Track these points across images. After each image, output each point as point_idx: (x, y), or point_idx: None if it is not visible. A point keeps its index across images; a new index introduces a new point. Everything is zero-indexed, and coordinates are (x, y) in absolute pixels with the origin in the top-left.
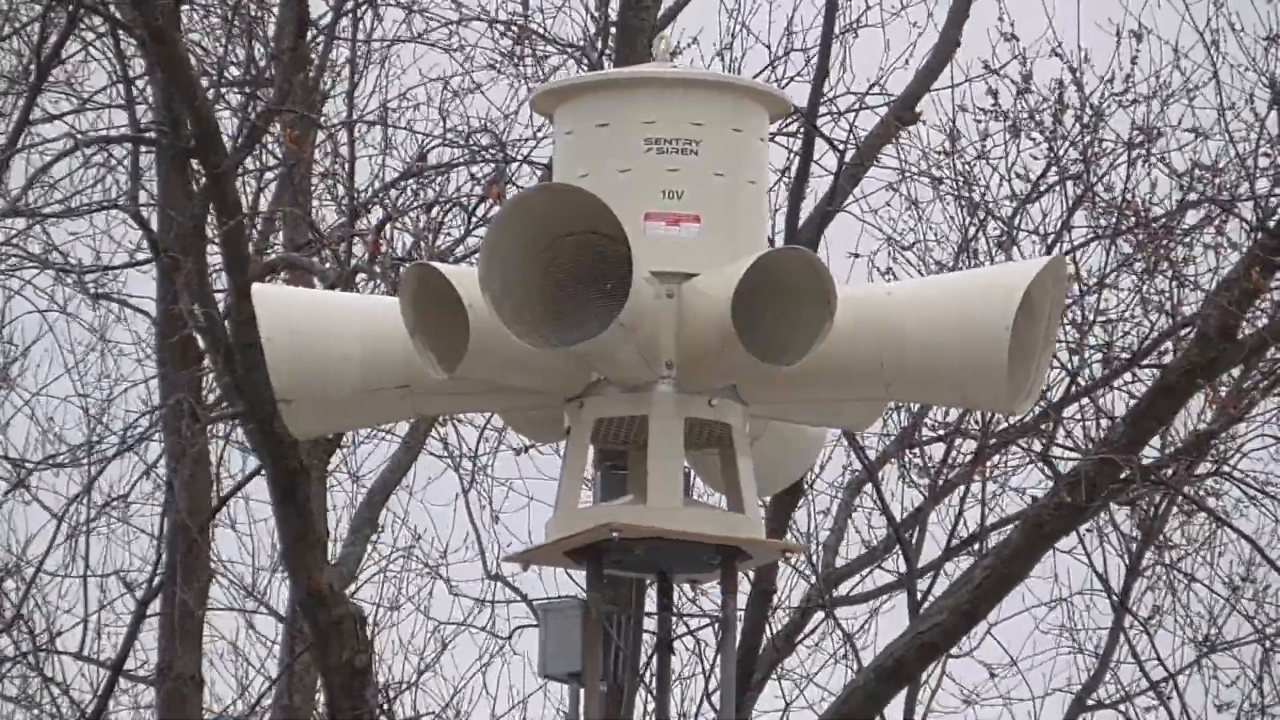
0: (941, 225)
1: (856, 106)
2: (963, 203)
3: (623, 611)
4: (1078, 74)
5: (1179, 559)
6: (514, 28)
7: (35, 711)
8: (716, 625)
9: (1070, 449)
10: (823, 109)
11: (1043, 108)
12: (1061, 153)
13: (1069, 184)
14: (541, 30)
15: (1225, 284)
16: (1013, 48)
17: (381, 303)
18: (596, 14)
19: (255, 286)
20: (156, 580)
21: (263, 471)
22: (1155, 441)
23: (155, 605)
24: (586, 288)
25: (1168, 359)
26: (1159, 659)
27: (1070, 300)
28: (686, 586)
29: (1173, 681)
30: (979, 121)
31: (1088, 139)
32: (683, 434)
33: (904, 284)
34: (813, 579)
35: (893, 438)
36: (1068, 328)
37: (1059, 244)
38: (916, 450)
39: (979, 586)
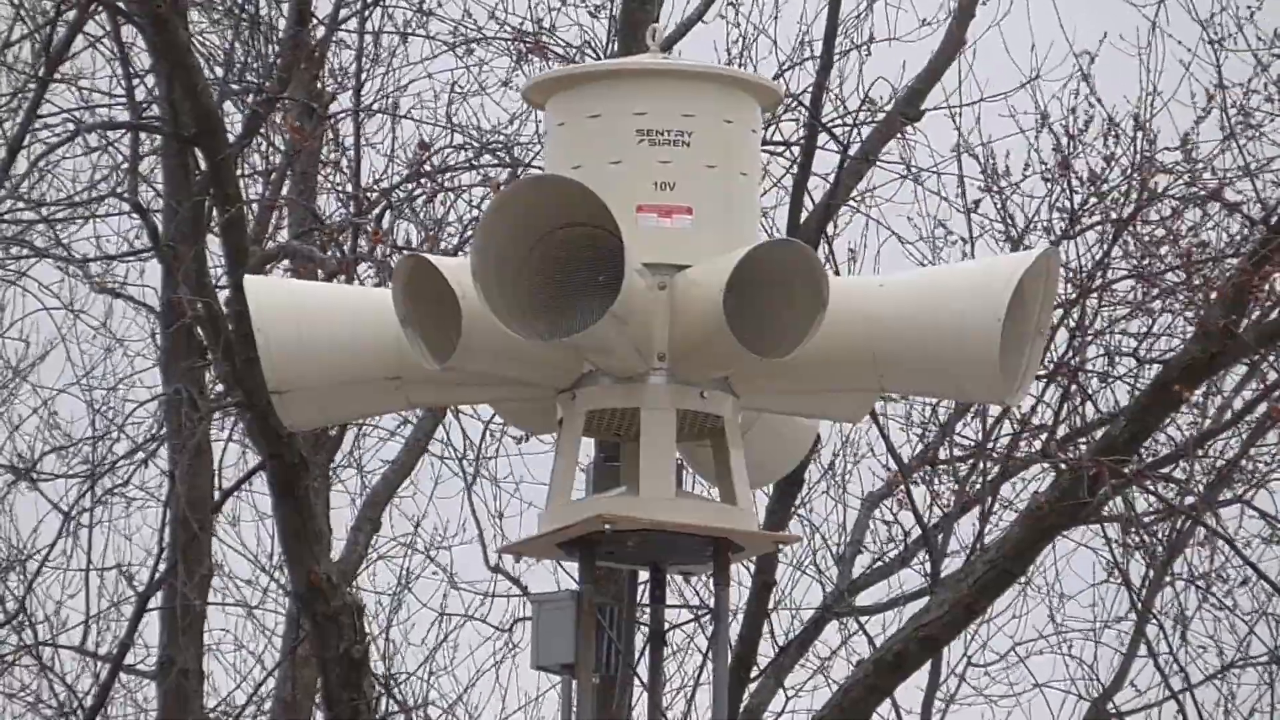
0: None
1: (862, 103)
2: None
3: (615, 603)
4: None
5: (1199, 576)
6: (526, 42)
7: (36, 706)
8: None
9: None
10: (826, 104)
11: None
12: (1105, 198)
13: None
14: (555, 43)
15: (1227, 281)
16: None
17: (374, 294)
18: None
19: (247, 278)
20: (158, 574)
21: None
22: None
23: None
24: (579, 280)
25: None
26: (1180, 667)
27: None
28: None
29: (1191, 693)
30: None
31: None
32: (675, 426)
33: (896, 276)
34: (830, 588)
35: (919, 450)
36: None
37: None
38: (940, 467)
39: (979, 580)
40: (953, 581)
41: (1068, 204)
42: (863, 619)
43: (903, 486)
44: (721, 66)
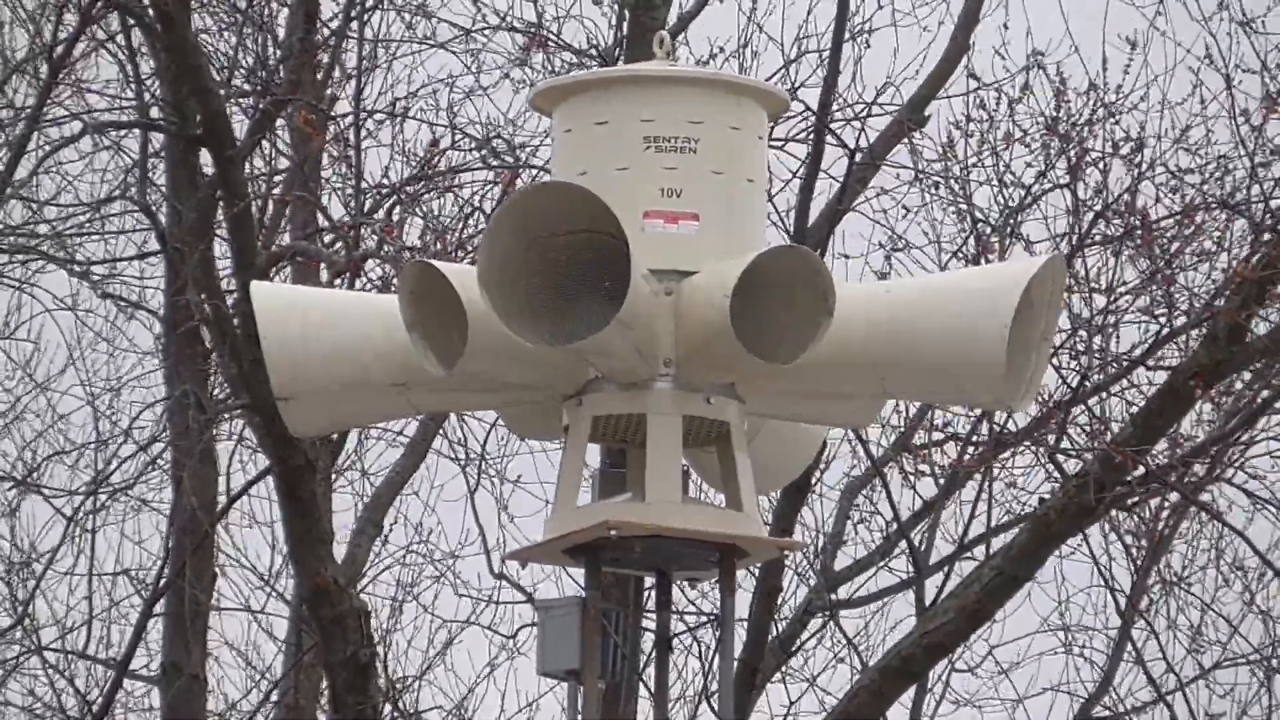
0: (943, 230)
1: (865, 115)
2: (960, 212)
3: (622, 609)
4: (1064, 81)
5: (1184, 575)
6: (529, 36)
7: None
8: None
9: (1077, 450)
10: (833, 109)
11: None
12: (1054, 161)
13: (1066, 192)
14: (556, 38)
15: (1233, 284)
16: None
17: (380, 300)
18: (609, 13)
19: (254, 285)
20: (163, 579)
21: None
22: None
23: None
24: (585, 285)
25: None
26: (1169, 666)
27: (1077, 302)
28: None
29: (1182, 692)
30: (976, 123)
31: (1076, 149)
32: (681, 431)
33: (902, 282)
34: (814, 581)
35: (895, 439)
36: (1079, 331)
37: (1061, 247)
38: (923, 451)
39: (986, 586)
40: (959, 588)
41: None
42: (842, 614)
43: (904, 462)
44: (728, 73)
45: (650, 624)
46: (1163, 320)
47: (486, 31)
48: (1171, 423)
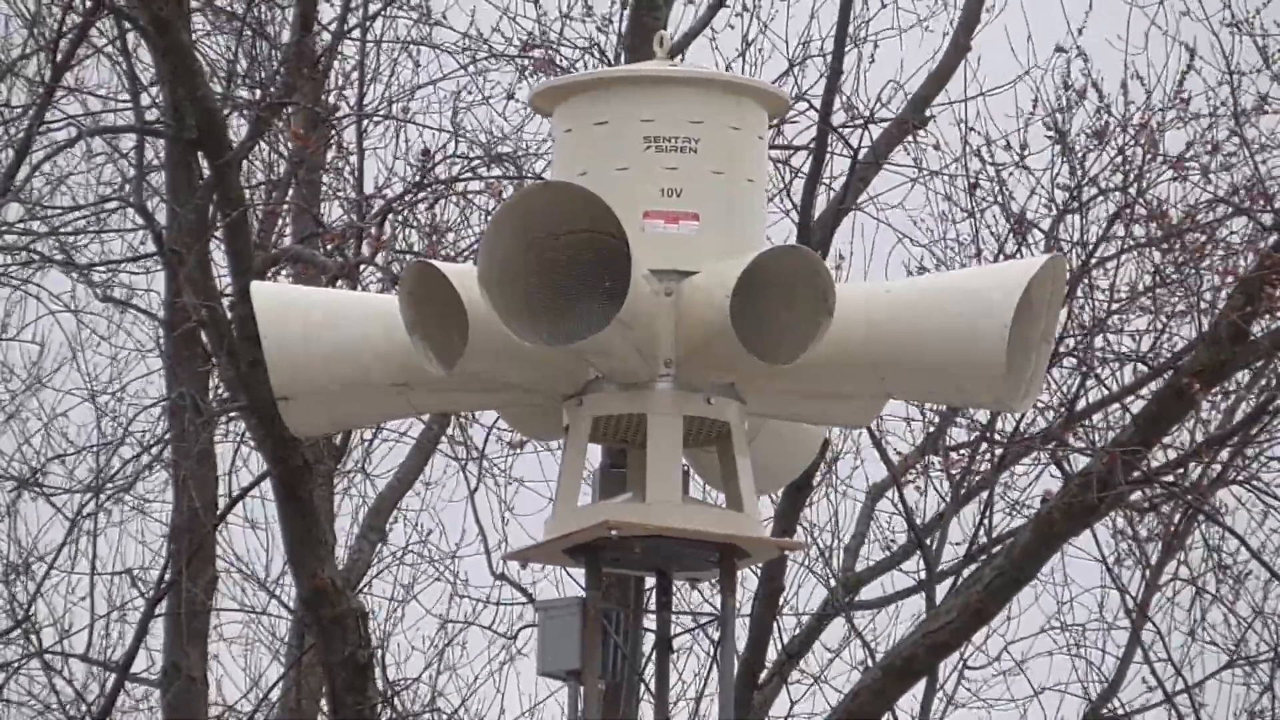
0: (964, 228)
1: (868, 120)
2: (999, 210)
3: (622, 609)
4: (1132, 79)
5: (1200, 574)
6: (533, 57)
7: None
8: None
9: (1085, 446)
10: (836, 109)
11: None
12: (1106, 164)
13: (1106, 195)
14: (562, 58)
15: (1240, 286)
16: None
17: (381, 300)
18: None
19: (254, 285)
20: (164, 580)
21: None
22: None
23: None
24: (585, 286)
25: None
26: (1176, 670)
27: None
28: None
29: (1190, 694)
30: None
31: (1134, 150)
32: (681, 432)
33: (903, 282)
34: (831, 582)
35: (917, 444)
36: (1080, 335)
37: (1095, 254)
38: (939, 456)
39: (989, 586)
40: (962, 588)
41: (1067, 179)
42: (859, 615)
43: (910, 474)
44: (729, 73)
45: (650, 624)
46: (1164, 322)
47: (492, 55)
48: (1174, 423)
